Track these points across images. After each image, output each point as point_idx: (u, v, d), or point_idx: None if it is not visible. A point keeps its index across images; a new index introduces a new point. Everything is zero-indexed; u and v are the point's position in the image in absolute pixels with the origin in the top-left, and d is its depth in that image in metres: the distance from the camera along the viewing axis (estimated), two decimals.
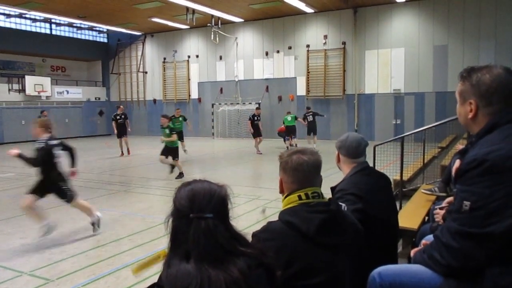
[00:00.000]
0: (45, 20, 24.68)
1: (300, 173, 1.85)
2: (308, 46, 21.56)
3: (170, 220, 1.44)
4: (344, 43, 20.77)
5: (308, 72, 21.66)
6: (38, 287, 4.29)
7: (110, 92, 28.79)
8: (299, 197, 1.83)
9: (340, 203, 2.38)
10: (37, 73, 25.71)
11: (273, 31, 22.57)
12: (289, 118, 17.35)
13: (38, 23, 24.94)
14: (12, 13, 22.55)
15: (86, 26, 26.25)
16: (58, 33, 26.32)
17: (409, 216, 4.21)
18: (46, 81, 24.55)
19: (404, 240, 4.26)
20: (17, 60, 25.35)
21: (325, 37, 21.18)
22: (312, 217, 1.77)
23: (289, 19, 21.93)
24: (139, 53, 27.24)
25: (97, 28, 27.12)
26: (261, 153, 15.50)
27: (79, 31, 27.33)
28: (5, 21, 23.41)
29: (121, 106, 18.12)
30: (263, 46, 22.95)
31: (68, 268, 4.76)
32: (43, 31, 25.49)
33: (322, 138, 20.88)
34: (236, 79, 23.70)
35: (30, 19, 24.09)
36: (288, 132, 17.36)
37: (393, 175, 6.84)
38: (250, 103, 22.83)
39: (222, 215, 1.39)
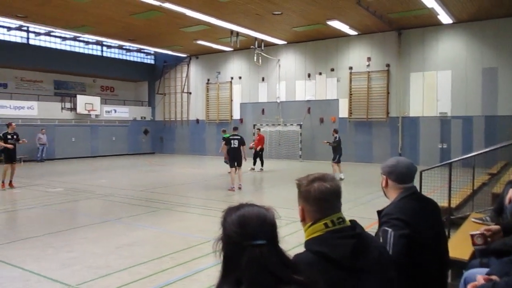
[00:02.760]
0: (97, 43, 26.00)
1: (324, 202, 1.82)
2: (351, 68, 21.45)
3: (219, 245, 1.41)
4: (388, 65, 20.51)
5: (351, 94, 21.49)
6: None
7: (155, 111, 29.68)
8: (326, 225, 1.79)
9: (386, 228, 2.32)
10: (88, 93, 26.93)
11: (315, 53, 22.65)
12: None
13: (90, 46, 26.26)
14: (67, 36, 23.91)
15: (135, 48, 27.42)
16: (108, 54, 27.59)
17: (459, 245, 4.03)
18: (96, 100, 25.66)
19: (453, 271, 4.07)
20: (70, 80, 26.70)
21: (369, 59, 21.00)
22: (343, 244, 1.73)
23: (331, 41, 21.96)
24: (184, 74, 28.02)
25: (145, 50, 28.23)
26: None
27: (128, 53, 28.53)
28: (61, 43, 24.80)
29: (13, 124, 13.35)
30: (305, 68, 23.03)
31: (112, 283, 4.86)
32: (94, 53, 26.78)
33: (363, 161, 20.54)
34: (278, 101, 23.84)
35: (83, 41, 25.41)
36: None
37: (440, 202, 6.59)
38: (291, 124, 22.84)
39: (273, 241, 1.38)
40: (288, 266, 1.36)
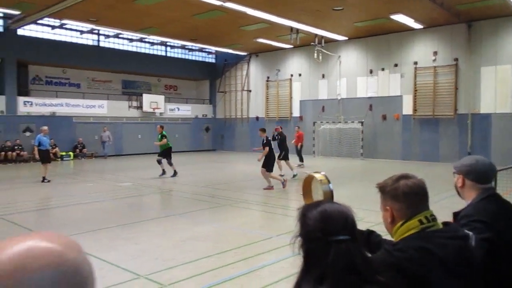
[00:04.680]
0: (161, 43, 26.98)
1: (414, 196, 1.76)
2: (415, 63, 20.62)
3: (298, 241, 1.39)
4: (456, 59, 19.48)
5: (416, 90, 20.66)
6: None
7: (216, 109, 30.30)
8: (420, 222, 1.73)
9: (466, 231, 2.20)
10: (153, 92, 28.03)
11: (377, 49, 22.01)
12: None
13: (155, 46, 27.30)
14: (134, 37, 25.03)
15: (197, 48, 28.16)
16: (171, 55, 28.54)
17: None
18: (160, 99, 26.66)
19: None
20: (136, 80, 27.93)
21: (435, 53, 20.07)
22: (448, 243, 1.67)
23: (395, 36, 21.22)
24: (244, 72, 28.35)
25: (206, 50, 28.91)
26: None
27: (190, 53, 29.35)
28: (128, 45, 26.01)
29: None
30: (367, 64, 22.46)
31: (178, 275, 5.03)
32: (159, 53, 27.81)
33: (429, 160, 19.69)
34: (339, 97, 23.45)
35: (149, 42, 26.47)
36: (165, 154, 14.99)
37: None
38: (352, 122, 22.37)
39: (355, 238, 1.35)
40: (371, 265, 1.34)
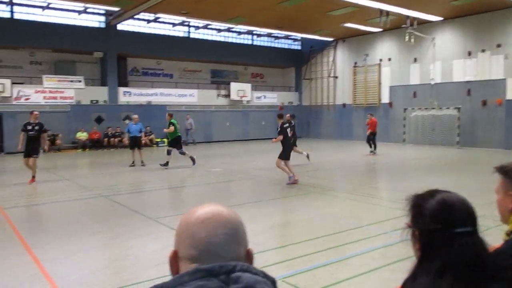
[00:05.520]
0: (248, 32, 27.41)
1: None
2: None
3: (411, 232, 1.33)
4: None
5: None
6: None
7: (302, 96, 30.19)
8: None
9: None
10: (240, 80, 28.66)
11: (477, 28, 20.30)
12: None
13: (242, 35, 27.81)
14: (222, 27, 25.72)
15: (283, 35, 28.17)
16: (258, 43, 28.88)
17: None
18: (247, 87, 27.19)
19: None
20: (224, 69, 28.74)
21: None
22: None
23: (498, 14, 19.40)
24: (330, 58, 27.84)
25: (292, 37, 28.81)
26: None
27: (276, 40, 29.46)
28: (216, 35, 26.81)
29: (36, 112, 11.43)
30: (465, 46, 20.84)
31: (269, 259, 5.11)
32: (245, 42, 28.29)
33: None
34: (432, 82, 22.11)
35: (236, 32, 27.05)
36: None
37: None
38: (447, 108, 20.98)
39: (477, 229, 1.28)
40: (498, 259, 1.26)
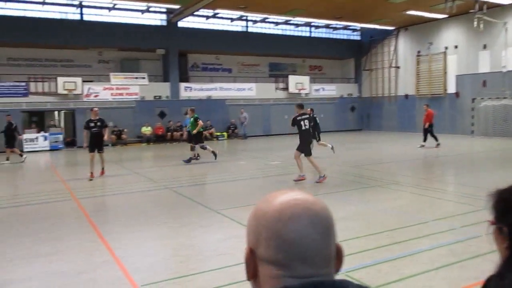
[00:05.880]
0: (306, 24, 27.13)
1: None
2: None
3: (497, 229, 1.22)
4: None
5: None
6: None
7: (362, 88, 29.48)
8: None
9: None
10: (298, 73, 28.48)
11: None
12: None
13: (300, 28, 27.59)
14: (279, 21, 25.67)
15: (341, 26, 27.59)
16: (315, 35, 28.51)
17: None
18: (305, 79, 26.97)
19: None
20: (282, 62, 28.69)
21: None
22: None
23: None
24: (392, 48, 26.92)
25: (351, 27, 28.15)
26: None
27: (334, 32, 28.93)
28: (274, 28, 26.80)
29: (95, 109, 12.02)
30: None
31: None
32: (303, 34, 28.04)
33: None
34: (504, 70, 20.72)
35: (293, 24, 26.88)
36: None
37: None
38: None
39: None
40: None
